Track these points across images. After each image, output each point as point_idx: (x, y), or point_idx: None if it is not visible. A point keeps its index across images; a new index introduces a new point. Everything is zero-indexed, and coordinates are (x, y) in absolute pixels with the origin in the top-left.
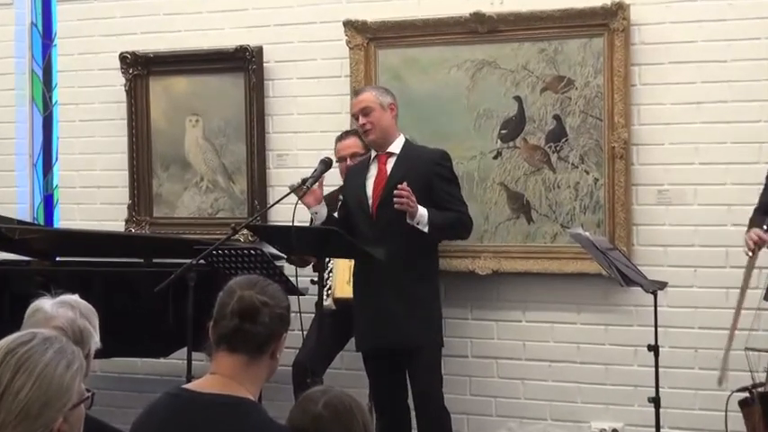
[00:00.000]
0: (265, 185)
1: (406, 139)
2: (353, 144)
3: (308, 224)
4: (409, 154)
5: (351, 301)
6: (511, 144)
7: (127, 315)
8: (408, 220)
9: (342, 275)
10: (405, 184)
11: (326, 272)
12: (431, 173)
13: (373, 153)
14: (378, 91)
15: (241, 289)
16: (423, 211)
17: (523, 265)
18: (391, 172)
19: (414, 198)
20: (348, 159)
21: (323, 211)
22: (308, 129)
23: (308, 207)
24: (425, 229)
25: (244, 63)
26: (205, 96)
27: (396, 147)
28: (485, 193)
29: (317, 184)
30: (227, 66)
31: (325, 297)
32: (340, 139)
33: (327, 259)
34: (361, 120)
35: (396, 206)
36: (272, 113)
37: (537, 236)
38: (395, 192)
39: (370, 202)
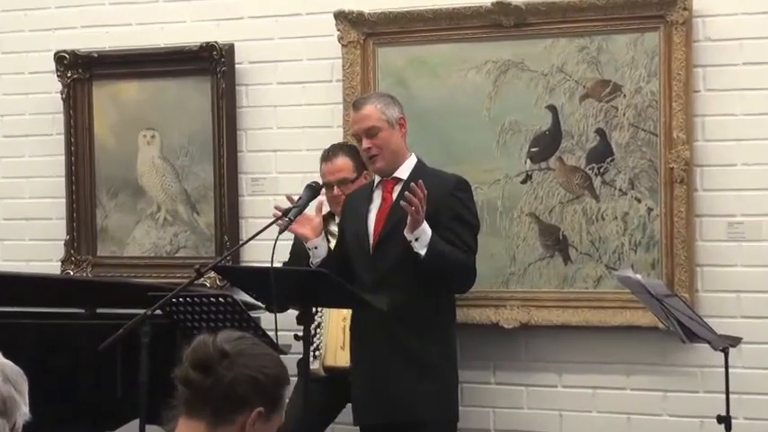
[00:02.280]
0: (237, 217)
1: (418, 160)
2: (343, 166)
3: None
4: (419, 179)
5: (345, 371)
6: (543, 165)
7: (64, 379)
8: (406, 233)
9: (334, 337)
10: (420, 184)
11: (312, 327)
12: (441, 205)
13: (377, 177)
14: (382, 102)
15: (208, 336)
16: (427, 228)
17: (559, 315)
18: (395, 202)
19: (424, 205)
20: (335, 188)
21: (323, 245)
22: (291, 146)
23: (305, 240)
24: (422, 252)
25: (210, 64)
26: (162, 106)
27: (404, 170)
28: (511, 225)
29: (314, 211)
30: (189, 68)
31: (312, 358)
32: (325, 158)
33: (316, 310)
34: (366, 143)
35: (401, 203)
36: (246, 127)
37: (576, 279)
38: (409, 186)
39: (371, 239)
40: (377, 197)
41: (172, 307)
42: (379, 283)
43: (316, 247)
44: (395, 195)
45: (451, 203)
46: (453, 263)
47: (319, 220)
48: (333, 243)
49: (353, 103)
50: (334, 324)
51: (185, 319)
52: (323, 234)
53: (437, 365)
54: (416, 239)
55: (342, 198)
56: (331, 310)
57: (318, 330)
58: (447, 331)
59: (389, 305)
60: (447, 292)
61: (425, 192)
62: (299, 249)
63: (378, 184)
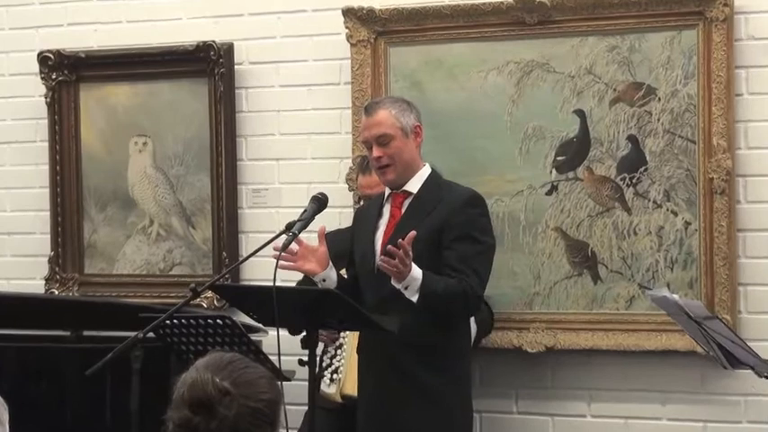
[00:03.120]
0: (237, 232)
1: (432, 171)
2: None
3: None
4: (430, 194)
5: None
6: (570, 175)
7: (48, 407)
8: (394, 283)
9: (356, 363)
10: (411, 235)
11: (334, 347)
12: (448, 222)
13: (387, 190)
14: (397, 107)
15: (203, 370)
16: (416, 273)
17: (588, 339)
18: (401, 219)
19: (408, 260)
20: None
21: (331, 276)
22: (295, 154)
23: (311, 275)
24: (414, 299)
25: (208, 65)
26: (155, 110)
27: (415, 183)
28: (535, 241)
29: (316, 240)
30: (184, 69)
31: (327, 381)
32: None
33: (339, 333)
34: (376, 152)
35: (378, 263)
36: (247, 134)
37: (606, 300)
38: (386, 248)
39: (376, 257)
40: (386, 212)
41: (165, 329)
42: (380, 305)
43: (324, 280)
44: (403, 210)
45: (460, 221)
46: (450, 299)
47: (324, 249)
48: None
49: (365, 108)
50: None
51: (180, 342)
52: (330, 264)
53: (443, 393)
54: (405, 288)
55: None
56: (355, 333)
57: (339, 352)
58: (457, 356)
59: (400, 327)
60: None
61: (406, 248)
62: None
63: (388, 197)
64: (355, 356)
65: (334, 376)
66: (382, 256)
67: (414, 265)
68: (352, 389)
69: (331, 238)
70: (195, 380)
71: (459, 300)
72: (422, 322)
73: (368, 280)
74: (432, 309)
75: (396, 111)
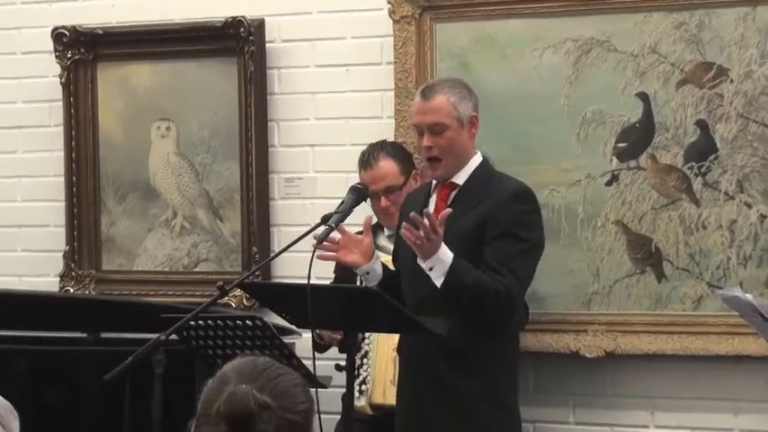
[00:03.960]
0: (268, 224)
1: (483, 161)
2: (387, 171)
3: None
4: (477, 187)
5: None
6: (633, 164)
7: (62, 415)
8: (419, 261)
9: (383, 369)
10: (446, 212)
11: (359, 356)
12: (490, 217)
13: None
14: (457, 94)
15: (237, 380)
16: (445, 256)
17: (651, 343)
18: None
19: (436, 236)
20: (381, 199)
21: (377, 269)
22: (332, 141)
23: (355, 267)
24: (438, 282)
25: (237, 43)
26: (180, 92)
27: (462, 175)
28: (593, 236)
29: (362, 228)
30: (212, 47)
31: (357, 394)
32: (364, 164)
33: (363, 336)
34: (427, 140)
35: (401, 232)
36: (279, 118)
37: (672, 300)
38: (410, 215)
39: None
40: (431, 204)
41: (190, 331)
42: (418, 307)
43: (368, 273)
44: (448, 203)
45: (503, 217)
46: (479, 294)
47: (369, 240)
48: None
49: (422, 90)
50: (384, 354)
51: (206, 345)
52: (376, 255)
53: (479, 402)
54: (431, 268)
55: (391, 209)
56: (379, 336)
57: (365, 361)
58: (498, 363)
59: (448, 330)
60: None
61: (431, 222)
62: (347, 267)
63: (435, 187)
64: (382, 363)
65: (363, 387)
66: (405, 223)
67: (445, 248)
68: (381, 397)
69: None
70: (233, 393)
71: (490, 298)
72: (459, 325)
73: (408, 277)
74: (457, 300)
75: (455, 97)
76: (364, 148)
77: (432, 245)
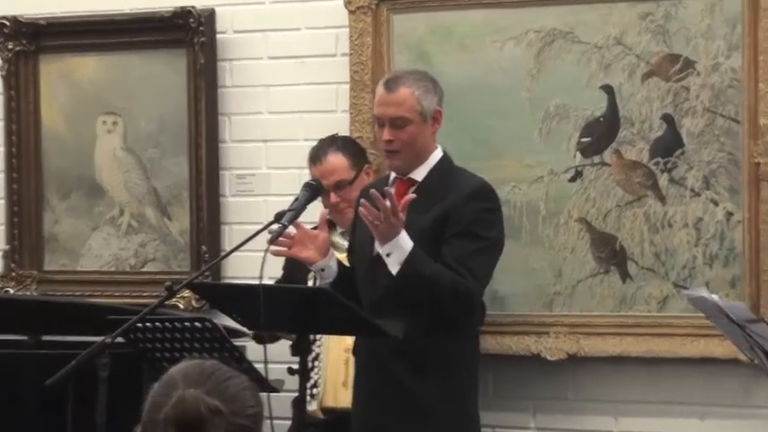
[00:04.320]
0: (218, 223)
1: (443, 156)
2: (337, 166)
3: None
4: (436, 183)
5: (347, 414)
6: (597, 159)
7: (1, 421)
8: (377, 247)
9: (335, 372)
10: (409, 197)
11: (310, 359)
12: (451, 215)
13: (392, 174)
14: (422, 87)
15: (185, 384)
16: (404, 243)
17: (616, 345)
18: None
19: (396, 214)
20: (331, 194)
21: (331, 265)
22: (286, 135)
23: (309, 264)
24: (393, 270)
25: (186, 35)
26: (127, 86)
27: (421, 171)
28: (556, 234)
29: (318, 223)
30: (160, 39)
31: (308, 398)
32: (313, 159)
33: (314, 338)
34: (387, 134)
35: (359, 210)
36: (231, 112)
37: (637, 300)
38: (369, 192)
39: (376, 245)
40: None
41: (137, 333)
42: (374, 304)
43: (323, 270)
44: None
45: (462, 214)
46: (437, 288)
47: (325, 235)
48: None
49: (386, 81)
50: (335, 356)
51: (153, 348)
52: (331, 253)
53: (437, 406)
54: (388, 254)
55: (341, 206)
56: (331, 338)
57: (316, 363)
58: (457, 365)
59: (404, 332)
60: (447, 321)
61: (392, 203)
62: (296, 266)
63: (393, 182)
64: (333, 366)
65: (314, 390)
66: (363, 201)
67: (405, 235)
68: (332, 400)
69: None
70: (182, 397)
71: (447, 293)
72: (415, 324)
73: (364, 273)
74: (412, 292)
75: (419, 91)
76: None
77: (391, 228)
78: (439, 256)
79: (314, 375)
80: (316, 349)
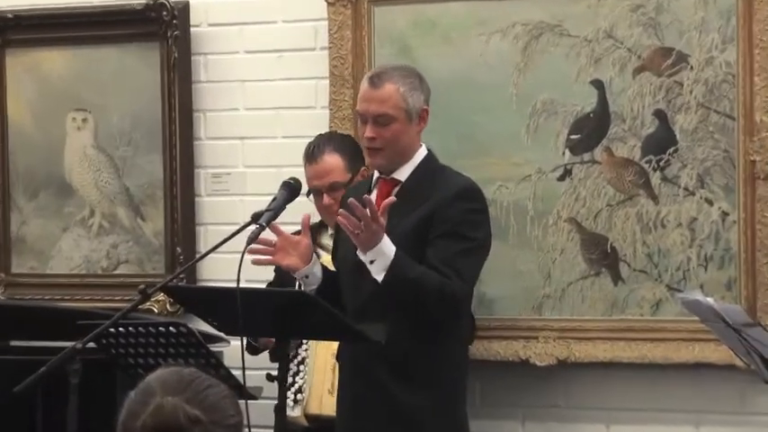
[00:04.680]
0: (194, 223)
1: (427, 155)
2: (333, 166)
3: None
4: (420, 183)
5: (332, 422)
6: (587, 157)
7: None
8: (359, 254)
9: (321, 378)
10: (389, 200)
11: (295, 363)
12: (436, 216)
13: (376, 173)
14: (408, 84)
15: (163, 392)
16: (387, 249)
17: (607, 350)
18: (388, 211)
19: (377, 220)
20: (324, 196)
21: (316, 271)
22: (263, 133)
23: (292, 271)
24: (378, 277)
25: (160, 28)
26: (98, 81)
27: (405, 171)
28: (545, 235)
29: (300, 228)
30: (132, 32)
31: (291, 403)
32: (309, 157)
33: (300, 341)
34: (370, 131)
35: (338, 218)
36: (206, 108)
37: (629, 304)
38: (348, 201)
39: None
40: (373, 200)
41: (109, 339)
42: (359, 310)
43: (307, 276)
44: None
45: (448, 215)
46: (423, 291)
47: (308, 241)
48: (324, 259)
49: (370, 76)
50: (322, 361)
51: (126, 354)
52: (315, 259)
53: (424, 414)
54: (371, 261)
55: (334, 208)
56: (319, 343)
57: (302, 368)
58: (445, 371)
59: (387, 335)
60: (437, 324)
61: (371, 209)
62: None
63: (376, 183)
64: (320, 371)
65: (298, 396)
66: (341, 210)
67: (387, 240)
68: (317, 407)
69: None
70: (161, 406)
71: (434, 296)
72: (400, 329)
73: (348, 278)
74: (398, 296)
75: (405, 88)
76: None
77: (372, 235)
78: (423, 258)
79: (299, 380)
80: (302, 353)
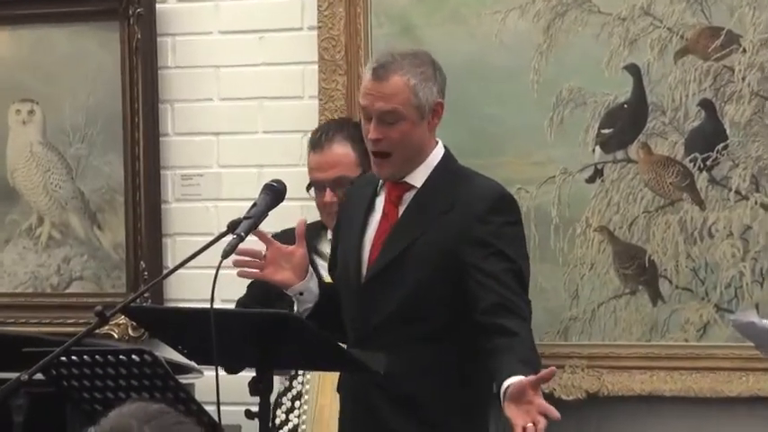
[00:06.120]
0: (160, 234)
1: (445, 153)
2: (342, 158)
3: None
4: (439, 188)
5: None
6: (621, 155)
7: None
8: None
9: (327, 418)
10: (551, 371)
11: (288, 397)
12: (465, 235)
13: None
14: (419, 75)
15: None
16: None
17: (645, 382)
18: (400, 222)
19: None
20: (327, 191)
21: (313, 287)
22: (241, 127)
23: (284, 287)
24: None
25: (119, 4)
26: (47, 66)
27: (419, 175)
28: (571, 247)
29: (296, 235)
30: (87, 9)
31: None
32: (315, 144)
33: (295, 373)
34: (375, 132)
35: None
36: (174, 98)
37: (670, 327)
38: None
39: (363, 269)
40: (379, 205)
41: (60, 369)
42: (363, 337)
43: (301, 293)
44: (401, 209)
45: (484, 233)
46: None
47: (302, 252)
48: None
49: (374, 68)
50: (326, 397)
51: (81, 386)
52: (311, 272)
53: None
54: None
55: (336, 207)
56: (324, 375)
57: (298, 404)
58: (465, 412)
59: (387, 366)
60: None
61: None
62: (264, 285)
63: (382, 186)
64: (320, 408)
65: None
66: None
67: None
68: None
69: (288, 239)
70: (115, 426)
71: (535, 346)
72: (414, 365)
73: (350, 298)
74: None
75: (416, 80)
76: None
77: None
78: (455, 282)
79: (293, 419)
80: (297, 386)
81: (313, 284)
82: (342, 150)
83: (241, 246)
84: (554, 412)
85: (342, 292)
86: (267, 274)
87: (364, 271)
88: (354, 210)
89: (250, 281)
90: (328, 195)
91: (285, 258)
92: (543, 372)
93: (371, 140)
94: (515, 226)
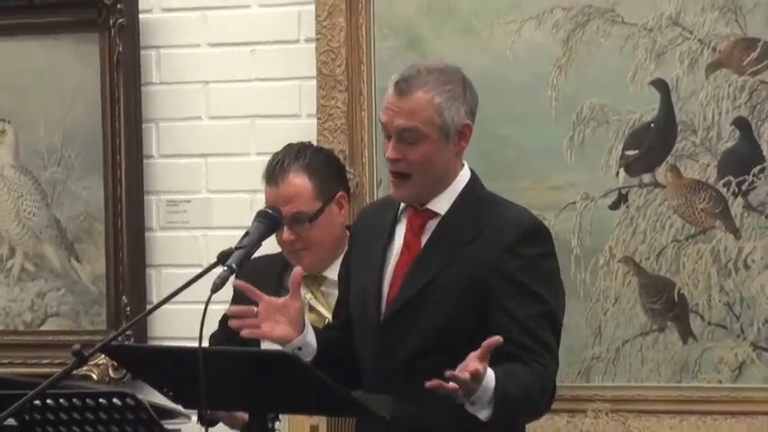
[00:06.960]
0: (144, 265)
1: (471, 177)
2: (299, 191)
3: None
4: (465, 216)
5: None
6: (647, 179)
7: None
8: (461, 401)
9: None
10: (496, 340)
11: None
12: (491, 268)
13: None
14: (446, 92)
15: None
16: (488, 382)
17: (675, 427)
18: (422, 254)
19: (474, 372)
20: (285, 229)
21: (311, 340)
22: (232, 148)
23: (283, 343)
24: (482, 415)
25: (99, 14)
26: (20, 82)
27: (443, 202)
28: (594, 279)
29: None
30: (65, 20)
31: None
32: (270, 177)
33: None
34: (393, 151)
35: (427, 385)
36: (159, 117)
37: (703, 368)
38: (447, 374)
39: (382, 304)
40: (399, 235)
41: (33, 413)
42: (382, 378)
43: (300, 348)
44: (424, 239)
45: (512, 268)
46: (529, 402)
47: (298, 305)
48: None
49: (397, 81)
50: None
51: None
52: (307, 325)
53: None
54: (473, 403)
55: (297, 247)
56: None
57: None
58: None
59: (393, 411)
60: None
61: (475, 369)
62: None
63: (403, 211)
64: None
65: None
66: (435, 382)
67: (488, 372)
68: None
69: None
70: None
71: (537, 397)
72: (433, 415)
73: (368, 336)
74: (505, 422)
75: (441, 98)
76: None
77: (470, 387)
78: (478, 317)
79: None
80: (279, 427)
81: (311, 338)
82: (297, 181)
83: (231, 308)
84: (463, 377)
85: (357, 329)
86: (266, 333)
87: (383, 307)
88: (371, 238)
89: (222, 314)
90: (286, 233)
91: (279, 311)
92: (490, 339)
93: (389, 160)
94: (548, 259)
